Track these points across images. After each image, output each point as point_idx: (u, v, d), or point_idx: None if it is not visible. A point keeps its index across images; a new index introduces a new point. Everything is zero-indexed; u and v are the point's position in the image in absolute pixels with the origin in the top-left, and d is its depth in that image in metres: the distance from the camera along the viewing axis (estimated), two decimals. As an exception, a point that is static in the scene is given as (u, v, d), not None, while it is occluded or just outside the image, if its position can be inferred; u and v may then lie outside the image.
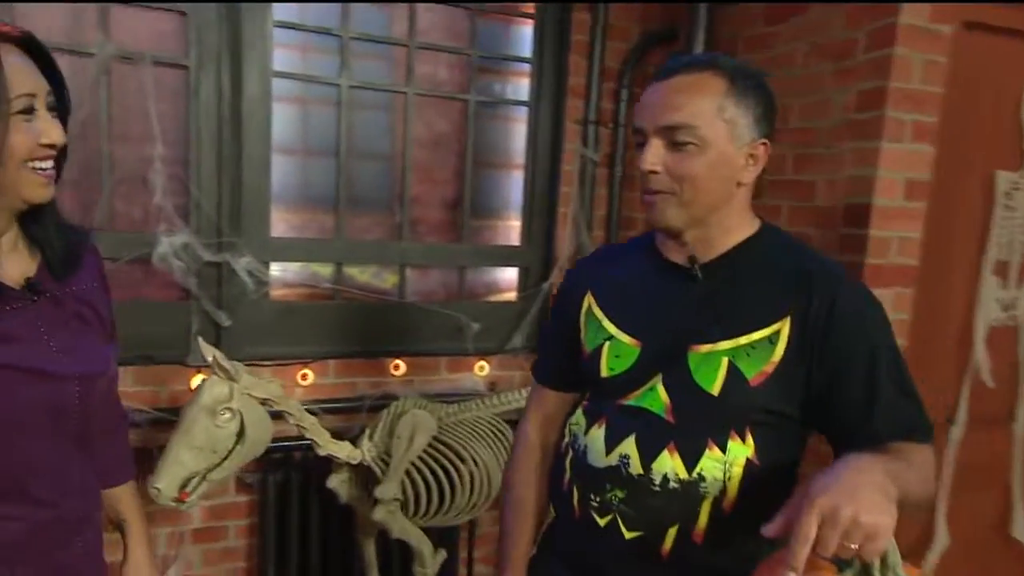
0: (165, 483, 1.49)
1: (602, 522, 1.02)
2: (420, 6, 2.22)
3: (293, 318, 2.18)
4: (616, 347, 1.07)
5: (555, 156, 2.43)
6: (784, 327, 0.97)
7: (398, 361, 2.25)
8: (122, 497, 1.18)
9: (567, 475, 1.09)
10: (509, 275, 2.51)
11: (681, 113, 0.96)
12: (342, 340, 2.23)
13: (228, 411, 1.52)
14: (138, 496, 1.21)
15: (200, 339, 1.59)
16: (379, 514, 1.76)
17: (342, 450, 1.76)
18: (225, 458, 1.55)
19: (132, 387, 1.98)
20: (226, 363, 1.53)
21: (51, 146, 0.88)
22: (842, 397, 0.96)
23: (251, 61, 2.03)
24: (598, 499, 1.03)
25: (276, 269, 2.18)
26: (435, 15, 2.30)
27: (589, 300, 1.14)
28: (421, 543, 1.85)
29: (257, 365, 2.08)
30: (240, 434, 1.55)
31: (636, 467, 1.00)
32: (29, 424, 0.88)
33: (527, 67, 2.41)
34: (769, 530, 0.79)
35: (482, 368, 2.36)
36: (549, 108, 2.42)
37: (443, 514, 1.86)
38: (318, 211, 2.24)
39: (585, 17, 2.37)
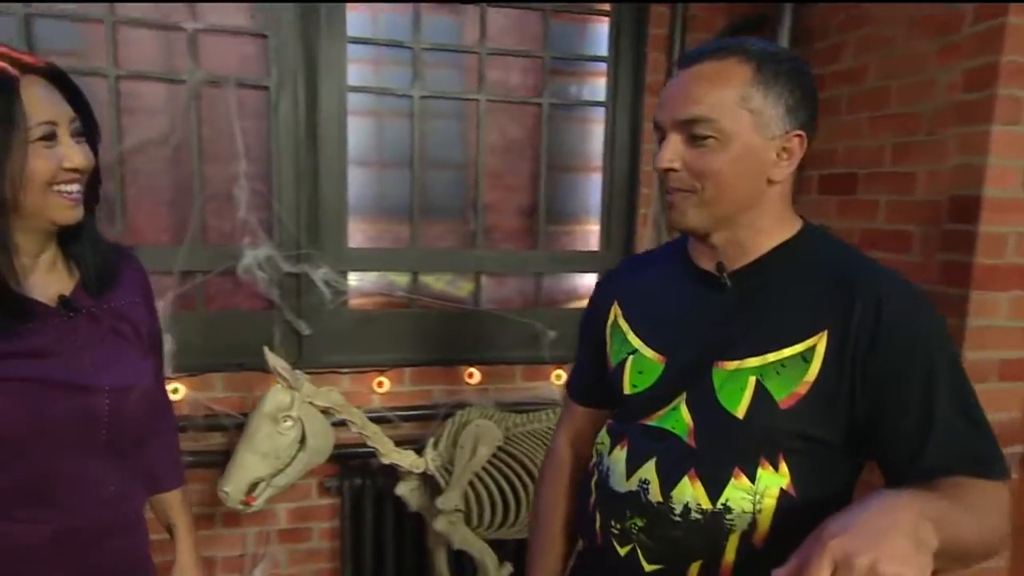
0: (232, 486, 1.56)
1: (622, 552, 0.95)
2: (491, 11, 2.21)
3: (370, 326, 2.23)
4: (639, 362, 0.99)
5: (634, 157, 2.33)
6: (820, 342, 0.85)
7: (473, 369, 2.24)
8: (171, 503, 1.23)
9: (592, 497, 1.02)
10: (589, 281, 2.44)
11: (699, 105, 0.87)
12: (418, 348, 2.25)
13: (289, 419, 1.57)
14: (188, 503, 1.27)
15: (265, 348, 1.65)
16: (440, 524, 1.75)
17: (405, 459, 1.77)
18: (288, 464, 1.59)
19: (222, 392, 2.09)
20: (287, 372, 1.58)
21: (74, 170, 0.93)
22: (891, 423, 0.83)
23: (327, 78, 2.10)
24: (619, 526, 0.95)
25: (354, 279, 2.24)
26: (507, 19, 2.27)
27: (616, 311, 1.06)
28: (484, 555, 1.82)
29: (335, 372, 2.15)
30: (302, 441, 1.59)
31: (656, 494, 0.91)
32: (57, 435, 0.93)
33: (603, 66, 2.33)
34: (780, 574, 0.69)
35: (559, 376, 2.30)
36: (626, 107, 2.33)
37: (508, 527, 1.82)
38: (394, 221, 2.28)
39: (664, 11, 2.26)
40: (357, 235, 2.24)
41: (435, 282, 2.31)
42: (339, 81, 2.11)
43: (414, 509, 1.90)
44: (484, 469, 1.80)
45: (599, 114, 2.36)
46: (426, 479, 1.86)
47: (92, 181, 1.00)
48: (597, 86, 2.37)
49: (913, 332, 0.83)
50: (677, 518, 0.89)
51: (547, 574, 1.11)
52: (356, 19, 2.14)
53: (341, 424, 1.73)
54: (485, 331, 2.29)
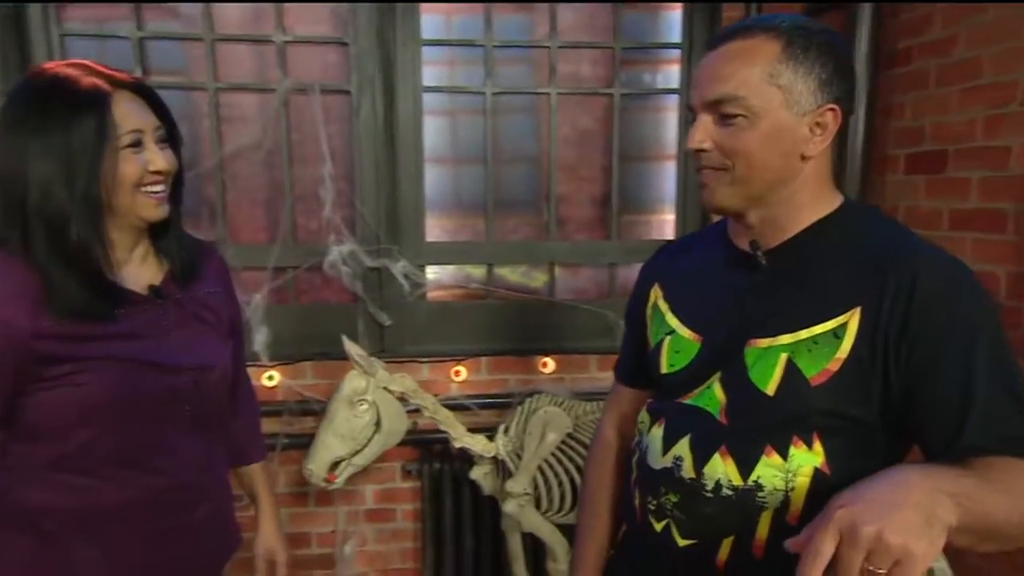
0: (315, 465, 1.68)
1: (658, 527, 0.96)
2: (561, 6, 2.24)
3: (448, 317, 2.31)
4: (676, 342, 1.00)
5: (709, 143, 2.29)
6: (852, 319, 0.84)
7: (547, 359, 2.28)
8: (255, 474, 1.35)
9: (633, 475, 1.04)
10: (665, 271, 2.42)
11: (726, 84, 0.88)
12: (494, 338, 2.31)
13: (365, 403, 1.67)
14: (269, 474, 1.38)
15: (344, 337, 1.76)
16: (509, 507, 1.81)
17: (476, 443, 1.83)
18: (365, 445, 1.70)
19: (312, 380, 2.24)
20: (363, 359, 1.68)
21: (158, 172, 1.04)
22: (928, 403, 0.80)
23: (403, 80, 2.20)
24: (655, 502, 0.97)
25: (432, 272, 2.33)
26: (577, 13, 2.30)
27: (656, 293, 1.07)
28: (553, 539, 1.86)
29: (415, 362, 2.25)
30: (377, 424, 1.69)
31: (688, 470, 0.92)
32: (147, 408, 1.05)
33: (677, 53, 2.31)
34: (792, 544, 0.69)
35: (634, 367, 2.30)
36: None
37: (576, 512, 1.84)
38: (469, 215, 2.36)
39: (741, -8, 2.21)
40: (434, 230, 2.33)
41: (510, 274, 2.37)
42: (415, 83, 2.21)
43: (488, 493, 1.97)
44: (553, 455, 1.84)
45: (672, 102, 2.34)
46: (499, 464, 1.92)
47: (176, 182, 1.12)
48: (670, 73, 2.35)
49: (950, 311, 0.80)
50: (709, 494, 0.90)
51: (592, 553, 1.13)
52: (430, 22, 2.23)
53: (419, 411, 1.82)
54: (559, 321, 2.32)
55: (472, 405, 2.22)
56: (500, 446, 1.85)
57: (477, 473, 1.93)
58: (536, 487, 1.82)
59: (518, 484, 1.78)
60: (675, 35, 2.30)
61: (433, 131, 2.28)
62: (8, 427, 1.00)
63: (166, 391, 1.07)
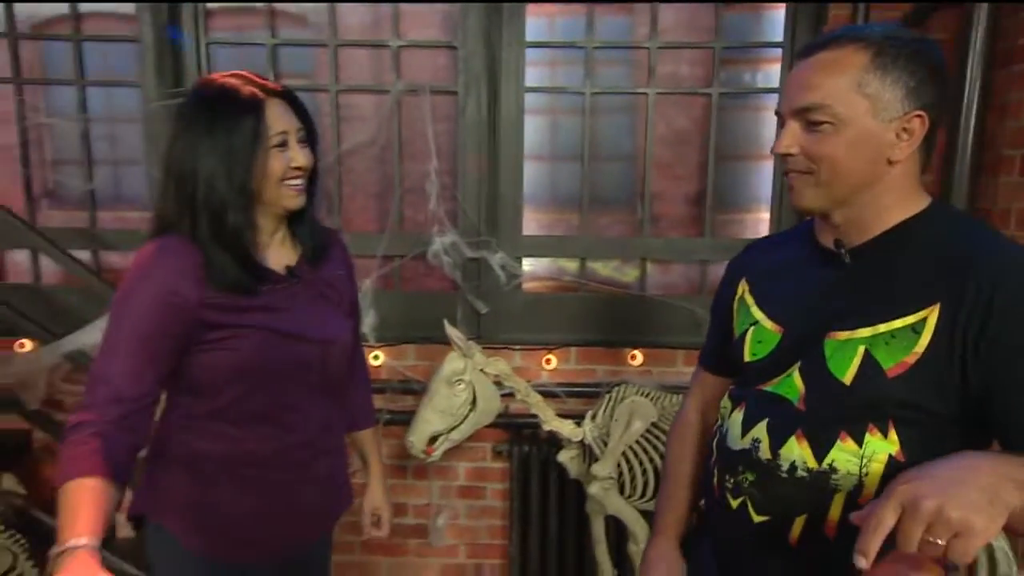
0: (416, 437, 1.83)
1: (734, 504, 1.03)
2: (662, 6, 2.29)
3: (541, 308, 2.42)
4: (759, 332, 1.06)
5: (808, 143, 2.29)
6: (932, 315, 0.88)
7: (636, 352, 2.35)
8: (365, 440, 1.51)
9: (713, 455, 1.12)
10: (758, 270, 2.43)
11: (814, 93, 0.93)
12: (584, 329, 2.40)
13: (461, 382, 1.80)
14: (378, 440, 1.54)
15: (445, 321, 1.90)
16: (594, 488, 1.90)
17: (564, 427, 1.93)
18: (461, 421, 1.83)
19: (414, 361, 2.40)
20: (462, 343, 1.81)
21: (299, 168, 1.20)
22: (1005, 400, 0.84)
23: (507, 81, 2.32)
24: (732, 480, 1.04)
25: (528, 264, 2.45)
26: (678, 13, 2.34)
27: (743, 287, 1.14)
28: (635, 523, 1.93)
29: (509, 348, 2.37)
30: (473, 403, 1.82)
31: (765, 451, 0.99)
32: (282, 372, 1.21)
33: (778, 52, 2.31)
34: (855, 517, 0.75)
35: (723, 363, 2.33)
36: (802, 93, 2.29)
37: (660, 499, 1.91)
38: (565, 210, 2.45)
39: (845, -10, 2.19)
40: (531, 224, 2.44)
41: (602, 268, 2.45)
42: (518, 83, 2.33)
43: (574, 476, 2.06)
44: (637, 443, 1.91)
45: (772, 101, 2.35)
46: (585, 449, 2.01)
47: (312, 176, 1.28)
48: (772, 72, 2.35)
49: None
50: (784, 474, 0.96)
51: (670, 517, 1.21)
52: (534, 25, 2.34)
53: (512, 395, 1.93)
54: (649, 315, 2.38)
55: (560, 392, 2.32)
56: (587, 431, 1.95)
57: (564, 456, 2.03)
58: (620, 472, 1.90)
59: (603, 468, 1.87)
60: (777, 34, 2.31)
61: (533, 129, 2.39)
62: (175, 383, 1.18)
63: (297, 358, 1.22)
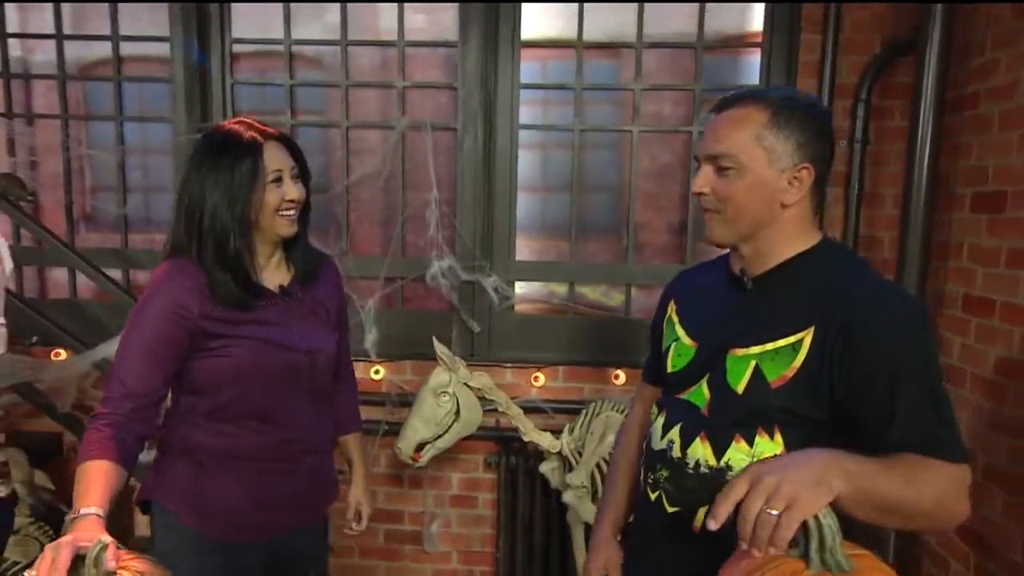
0: (404, 444, 2.00)
1: (652, 497, 1.18)
2: (646, 51, 2.48)
3: (532, 328, 2.59)
4: (679, 347, 1.22)
5: (782, 178, 2.44)
6: (808, 336, 1.03)
7: (619, 371, 2.50)
8: (351, 442, 1.69)
9: (643, 456, 1.27)
10: (737, 296, 2.57)
11: (722, 143, 1.10)
12: (572, 349, 2.56)
13: (446, 394, 1.97)
14: (362, 444, 1.71)
15: (434, 338, 2.07)
16: (568, 496, 2.04)
17: (543, 439, 2.09)
18: (446, 431, 2.00)
19: (411, 376, 2.58)
20: (447, 358, 1.98)
21: (292, 201, 1.39)
22: (862, 410, 0.99)
23: (502, 119, 2.52)
24: (652, 476, 1.19)
25: (520, 287, 2.62)
26: (660, 59, 2.52)
27: (672, 307, 1.30)
28: (607, 530, 2.07)
29: (500, 365, 2.54)
30: (457, 413, 1.99)
31: (677, 451, 1.14)
32: (276, 377, 1.39)
33: (754, 93, 2.47)
34: (718, 495, 0.90)
35: (701, 384, 2.47)
36: (777, 131, 2.44)
37: (631, 509, 2.05)
38: (555, 238, 2.63)
39: (816, 38, 2.35)
40: (524, 250, 2.62)
41: (590, 292, 2.62)
42: (512, 121, 2.52)
43: (554, 486, 2.21)
44: (610, 455, 2.05)
45: (749, 139, 2.50)
46: (564, 461, 2.16)
47: (304, 208, 1.47)
48: (749, 112, 2.51)
49: (880, 341, 0.99)
50: (691, 471, 1.12)
51: (609, 516, 1.36)
52: (528, 67, 2.54)
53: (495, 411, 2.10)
54: (633, 338, 2.53)
55: (548, 408, 2.48)
56: (564, 443, 2.09)
57: (546, 467, 2.18)
58: (594, 482, 2.04)
59: (577, 477, 2.01)
60: (754, 77, 2.47)
61: (526, 162, 2.58)
62: (180, 383, 1.37)
63: (287, 365, 1.41)
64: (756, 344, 1.08)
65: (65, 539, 0.96)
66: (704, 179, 1.13)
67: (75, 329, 2.48)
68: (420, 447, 2.02)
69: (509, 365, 2.54)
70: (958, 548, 2.03)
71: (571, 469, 2.11)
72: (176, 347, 1.30)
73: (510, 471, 2.46)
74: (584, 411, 2.16)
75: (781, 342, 1.06)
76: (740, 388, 1.08)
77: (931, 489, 0.91)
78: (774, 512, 0.82)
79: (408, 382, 2.56)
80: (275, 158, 1.36)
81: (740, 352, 1.10)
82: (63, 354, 2.57)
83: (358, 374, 2.52)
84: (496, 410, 2.22)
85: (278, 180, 1.37)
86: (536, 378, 2.52)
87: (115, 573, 0.94)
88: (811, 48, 2.36)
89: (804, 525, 0.83)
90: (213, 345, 1.34)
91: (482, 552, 2.64)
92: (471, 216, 2.56)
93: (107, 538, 0.96)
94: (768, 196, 1.09)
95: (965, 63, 2.07)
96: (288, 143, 1.41)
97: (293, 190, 1.39)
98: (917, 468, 0.91)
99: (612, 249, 2.62)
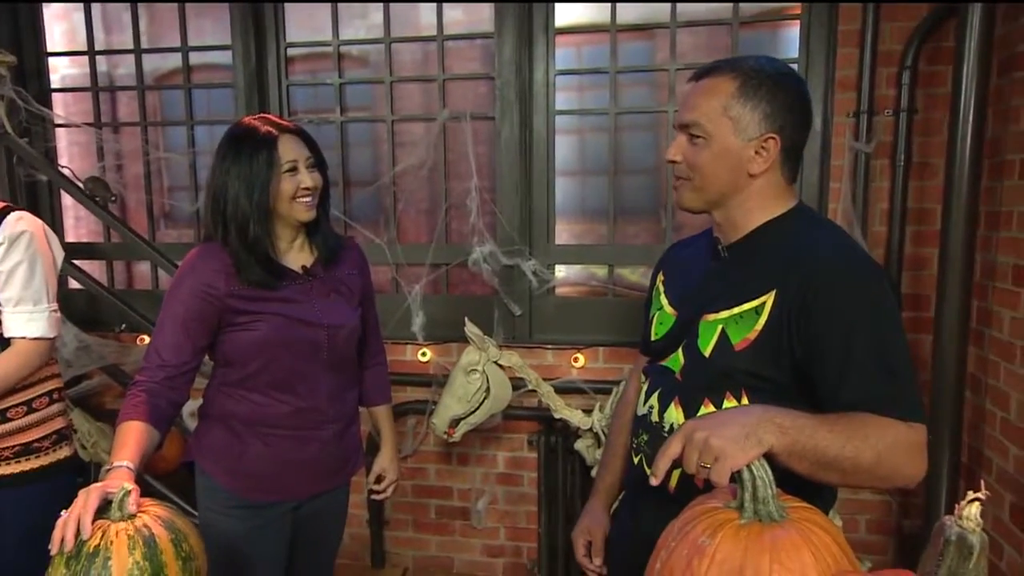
0: (438, 420, 2.10)
1: (636, 460, 1.22)
2: (681, 30, 2.46)
3: (572, 310, 2.64)
4: (662, 316, 1.25)
5: (825, 152, 2.37)
6: (769, 300, 1.05)
7: (658, 352, 2.50)
8: (380, 414, 1.80)
9: (633, 423, 1.30)
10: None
11: (692, 112, 1.12)
12: (611, 331, 2.58)
13: (476, 372, 2.05)
14: (390, 416, 1.82)
15: (466, 319, 2.16)
16: (595, 471, 2.08)
17: (574, 416, 2.13)
18: (477, 407, 2.08)
19: (456, 358, 2.65)
20: (477, 337, 2.07)
21: (307, 188, 1.50)
22: (818, 369, 1.00)
23: (538, 105, 2.57)
24: (635, 441, 1.23)
25: (560, 270, 2.67)
26: (696, 36, 2.50)
27: (660, 279, 1.33)
28: (635, 505, 2.09)
29: (541, 348, 2.60)
30: (487, 391, 2.07)
31: (655, 416, 1.18)
32: (297, 350, 1.51)
33: (795, 68, 2.42)
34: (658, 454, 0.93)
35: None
36: (818, 103, 2.37)
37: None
38: (594, 221, 2.66)
39: (856, 6, 2.28)
40: (563, 234, 2.66)
41: (629, 274, 2.63)
42: (548, 107, 2.57)
43: (589, 464, 2.25)
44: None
45: (789, 113, 2.44)
46: (598, 438, 2.20)
47: (323, 195, 1.58)
48: (789, 86, 2.45)
49: (834, 302, 1.00)
50: (666, 434, 1.15)
51: (602, 487, 1.40)
52: (563, 54, 2.58)
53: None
54: (672, 319, 2.53)
55: (588, 389, 2.51)
56: (595, 420, 2.13)
57: (580, 445, 2.23)
58: (623, 458, 2.07)
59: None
60: (793, 51, 2.41)
61: (563, 147, 2.63)
62: (215, 356, 1.52)
63: (308, 339, 1.53)
64: (725, 309, 1.10)
65: (95, 485, 1.10)
66: (676, 147, 1.16)
67: (157, 317, 2.73)
68: (455, 424, 2.11)
69: (550, 347, 2.60)
70: (1014, 536, 1.93)
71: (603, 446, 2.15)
72: (205, 322, 1.45)
73: (550, 449, 2.52)
74: (615, 389, 2.19)
75: (746, 306, 1.07)
76: (707, 352, 1.10)
77: (871, 446, 0.91)
78: (707, 466, 0.85)
79: (453, 364, 2.65)
80: (290, 149, 1.48)
81: (711, 318, 1.12)
82: (147, 339, 2.82)
83: (406, 356, 2.68)
84: (534, 391, 2.28)
85: (293, 169, 1.48)
86: (576, 359, 2.56)
87: (135, 515, 1.07)
88: (851, 17, 2.28)
89: (740, 477, 0.85)
90: (240, 320, 1.47)
91: (528, 529, 2.71)
92: (511, 202, 2.63)
93: (130, 485, 1.09)
94: (734, 165, 1.10)
95: (1014, 22, 1.95)
96: (302, 134, 1.53)
97: (308, 178, 1.50)
98: (859, 425, 0.92)
99: (651, 231, 2.63)
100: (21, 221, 1.56)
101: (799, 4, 2.38)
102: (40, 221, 1.63)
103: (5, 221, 1.55)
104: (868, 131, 2.28)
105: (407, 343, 2.67)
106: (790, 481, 0.89)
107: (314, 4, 2.69)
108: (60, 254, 1.66)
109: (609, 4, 2.48)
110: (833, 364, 0.98)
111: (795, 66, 2.41)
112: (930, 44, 2.21)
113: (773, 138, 1.08)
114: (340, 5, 2.69)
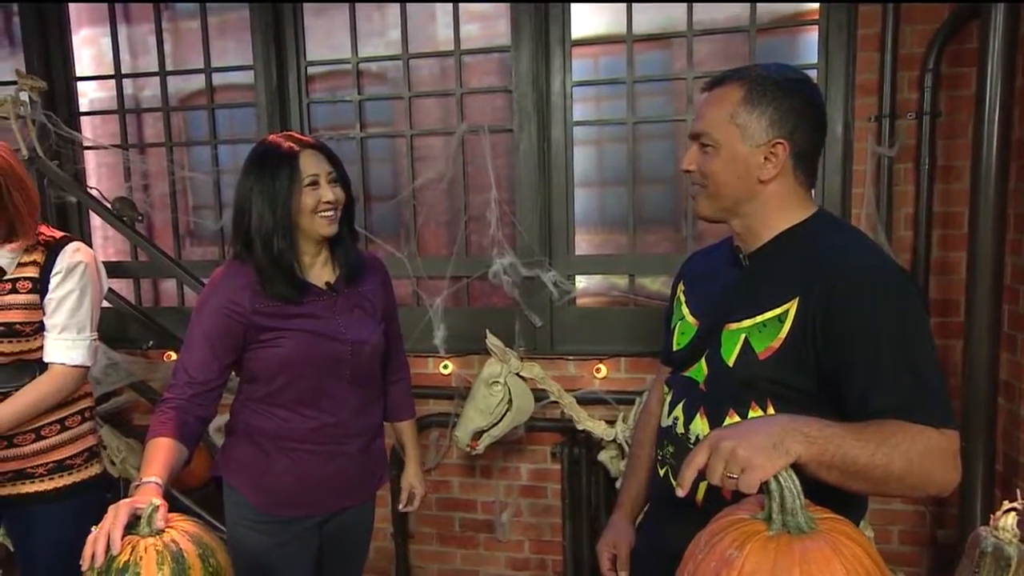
0: (460, 433, 2.10)
1: (661, 472, 1.21)
2: (697, 39, 2.46)
3: (593, 321, 2.63)
4: (683, 326, 1.24)
5: (846, 158, 2.35)
6: (792, 307, 1.03)
7: (681, 361, 2.48)
8: (404, 429, 1.81)
9: (657, 435, 1.29)
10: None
11: (701, 122, 1.13)
12: (633, 341, 2.57)
13: (498, 384, 2.05)
14: (415, 431, 1.82)
15: (487, 331, 2.16)
16: (619, 483, 2.06)
17: (597, 427, 2.12)
18: (500, 420, 2.08)
19: (478, 370, 2.65)
20: (499, 349, 2.07)
21: (329, 202, 1.52)
22: (846, 377, 0.98)
23: (556, 117, 2.58)
24: (660, 453, 1.22)
25: (581, 280, 2.66)
26: (713, 44, 2.50)
27: (680, 289, 1.32)
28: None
29: (563, 359, 2.59)
30: (509, 403, 2.06)
31: (680, 428, 1.17)
32: (321, 366, 1.52)
33: (813, 73, 2.40)
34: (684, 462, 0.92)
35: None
36: (839, 108, 2.35)
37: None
38: (614, 231, 2.65)
39: (876, 9, 2.26)
40: (583, 244, 2.66)
41: (650, 283, 2.62)
42: (566, 118, 2.58)
43: (614, 475, 2.24)
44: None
45: (810, 119, 2.42)
46: (621, 449, 2.18)
47: (347, 211, 1.59)
48: (809, 92, 2.43)
49: (858, 311, 0.98)
50: (692, 446, 1.13)
51: (626, 499, 1.38)
52: (580, 65, 2.59)
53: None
54: (695, 328, 2.51)
55: (610, 399, 2.50)
56: (619, 431, 2.12)
57: (604, 456, 2.22)
58: (647, 469, 2.06)
59: (629, 464, 2.04)
60: (812, 56, 2.40)
61: (582, 158, 2.63)
62: (238, 372, 1.53)
63: (332, 355, 1.54)
64: (747, 318, 1.09)
65: (125, 501, 1.11)
66: (690, 157, 1.16)
67: (183, 333, 2.77)
68: (477, 436, 2.11)
69: (572, 358, 2.59)
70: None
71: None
72: (230, 339, 1.46)
73: (574, 461, 2.51)
74: (638, 400, 2.17)
75: (768, 314, 1.06)
76: (731, 361, 1.09)
77: (902, 453, 0.89)
78: (733, 476, 0.84)
79: (475, 376, 2.64)
80: (311, 164, 1.50)
81: (734, 327, 1.11)
82: (174, 356, 2.86)
83: (428, 369, 2.69)
84: (557, 402, 2.28)
85: (314, 183, 1.50)
86: (598, 369, 2.55)
87: (164, 531, 1.09)
88: (870, 21, 2.26)
89: (768, 488, 0.84)
90: (265, 337, 1.49)
91: (552, 542, 2.69)
92: (530, 213, 2.63)
93: (159, 501, 1.10)
94: (744, 172, 1.10)
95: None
96: (324, 150, 1.54)
97: (329, 192, 1.52)
98: (890, 432, 0.90)
99: (671, 240, 2.62)
100: (78, 252, 1.63)
101: (817, 9, 2.36)
102: (92, 252, 1.68)
103: (64, 251, 1.61)
104: (891, 135, 2.26)
105: (429, 356, 2.68)
106: (819, 491, 0.88)
107: (334, 23, 2.73)
108: (106, 285, 1.70)
109: (625, 13, 2.49)
110: (860, 371, 0.96)
111: (814, 71, 2.39)
112: (952, 46, 2.19)
113: (782, 143, 1.08)
114: (359, 23, 2.72)
